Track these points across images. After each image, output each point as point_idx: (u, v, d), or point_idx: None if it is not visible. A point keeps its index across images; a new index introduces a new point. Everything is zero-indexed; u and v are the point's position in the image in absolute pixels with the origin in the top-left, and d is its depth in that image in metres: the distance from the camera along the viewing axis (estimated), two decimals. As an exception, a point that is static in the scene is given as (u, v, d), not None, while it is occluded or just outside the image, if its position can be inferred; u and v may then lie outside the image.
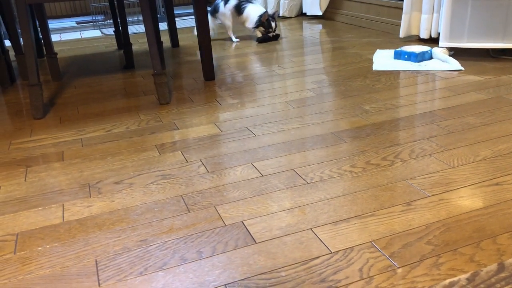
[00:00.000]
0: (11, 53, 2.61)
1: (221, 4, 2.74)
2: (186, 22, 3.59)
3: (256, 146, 1.32)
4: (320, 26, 3.08)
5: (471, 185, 1.05)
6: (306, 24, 3.17)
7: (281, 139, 1.36)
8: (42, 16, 2.14)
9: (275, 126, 1.45)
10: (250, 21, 2.71)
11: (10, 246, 0.93)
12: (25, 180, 1.20)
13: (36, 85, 1.63)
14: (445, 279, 0.76)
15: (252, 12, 2.70)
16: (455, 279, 0.75)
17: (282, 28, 3.09)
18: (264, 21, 2.67)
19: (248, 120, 1.52)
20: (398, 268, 0.80)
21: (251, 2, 2.75)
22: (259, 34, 2.73)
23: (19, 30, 2.31)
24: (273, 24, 2.69)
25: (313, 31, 2.92)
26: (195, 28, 2.28)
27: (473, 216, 0.93)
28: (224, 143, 1.35)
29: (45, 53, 2.23)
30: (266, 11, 2.69)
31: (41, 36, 2.58)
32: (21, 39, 2.40)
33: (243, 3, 2.72)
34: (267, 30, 2.70)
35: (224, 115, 1.58)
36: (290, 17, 3.45)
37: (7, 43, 2.82)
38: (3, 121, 1.65)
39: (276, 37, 2.75)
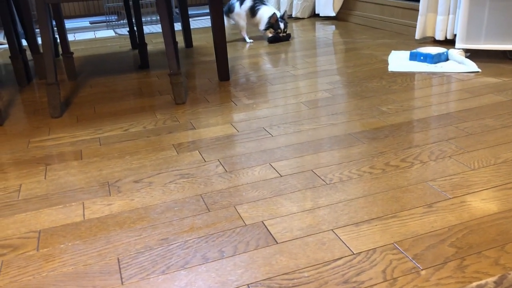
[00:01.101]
0: (28, 53, 2.63)
1: (237, 4, 2.75)
2: (200, 22, 3.60)
3: (274, 147, 1.32)
4: (333, 27, 3.07)
5: (493, 187, 1.04)
6: (319, 25, 3.16)
7: (298, 139, 1.35)
8: (59, 16, 2.15)
9: (291, 127, 1.45)
10: (262, 23, 2.73)
11: (33, 243, 0.94)
12: (45, 178, 1.21)
13: (53, 84, 1.64)
14: (470, 282, 0.75)
15: (264, 14, 2.71)
16: (482, 282, 0.74)
17: (295, 29, 3.09)
18: (273, 22, 2.68)
19: (264, 120, 1.52)
20: (422, 270, 0.80)
21: (264, 4, 2.75)
22: (269, 34, 2.74)
23: (36, 30, 2.34)
24: (281, 24, 2.68)
25: (326, 32, 2.92)
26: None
27: (497, 219, 0.92)
28: (241, 143, 1.35)
29: (61, 52, 2.24)
30: (275, 13, 2.69)
31: (56, 36, 2.60)
32: (38, 38, 2.43)
33: (257, 4, 2.73)
34: (276, 31, 2.71)
35: (240, 115, 1.58)
36: (303, 18, 3.44)
37: (24, 42, 2.84)
38: (21, 120, 1.66)
39: (287, 37, 2.75)
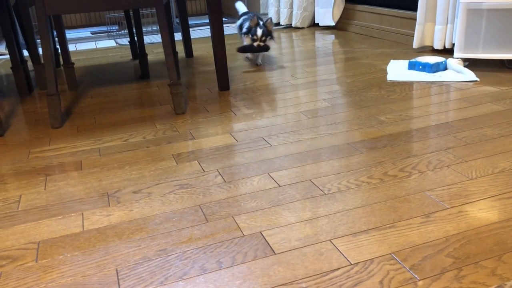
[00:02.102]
0: (29, 63, 2.65)
1: (238, 21, 2.67)
2: (200, 32, 3.63)
3: (272, 156, 1.32)
4: (333, 36, 3.09)
5: (490, 197, 1.04)
6: (318, 35, 3.18)
7: (297, 149, 1.36)
8: (60, 27, 2.17)
9: (290, 137, 1.46)
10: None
11: (31, 254, 0.94)
12: (45, 189, 1.21)
13: (54, 95, 1.65)
14: (467, 293, 0.76)
15: (246, 23, 2.39)
16: (478, 292, 0.74)
17: (295, 39, 3.11)
18: (252, 26, 2.29)
19: (264, 130, 1.53)
20: (419, 280, 0.80)
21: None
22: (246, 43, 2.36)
23: (37, 40, 2.35)
24: (259, 31, 2.25)
25: (326, 42, 2.94)
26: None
27: (494, 229, 0.92)
28: (240, 153, 1.36)
29: (62, 63, 2.26)
30: (255, 15, 2.32)
31: (58, 46, 2.62)
32: (40, 49, 2.45)
33: (245, 21, 2.47)
34: (252, 38, 2.29)
35: (239, 125, 1.59)
36: (302, 28, 3.46)
37: (25, 53, 2.86)
38: (22, 130, 1.67)
39: (264, 48, 2.29)
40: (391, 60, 2.30)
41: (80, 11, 1.60)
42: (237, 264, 0.87)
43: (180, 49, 2.90)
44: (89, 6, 1.60)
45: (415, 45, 2.41)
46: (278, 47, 2.87)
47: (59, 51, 2.61)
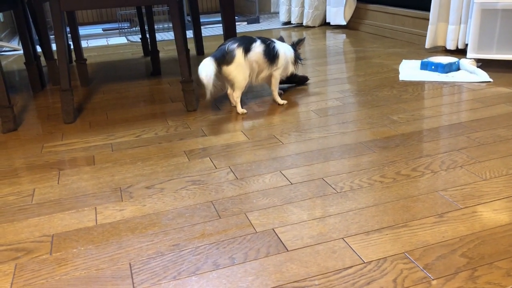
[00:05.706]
0: (42, 59, 2.67)
1: None
2: (211, 30, 3.63)
3: (284, 154, 1.32)
4: (344, 35, 3.08)
5: (504, 198, 1.03)
6: (329, 34, 3.17)
7: (309, 147, 1.36)
8: (73, 23, 2.19)
9: (302, 135, 1.46)
10: None
11: (46, 247, 0.95)
12: (58, 183, 1.22)
13: (67, 90, 1.66)
14: (482, 293, 0.75)
15: None
16: (493, 293, 0.74)
17: (306, 38, 3.10)
18: None
19: (275, 128, 1.53)
20: (433, 280, 0.79)
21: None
22: None
23: (50, 36, 2.37)
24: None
25: (337, 41, 2.93)
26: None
27: (509, 230, 0.92)
28: (252, 151, 1.36)
29: (74, 59, 2.27)
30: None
31: (70, 42, 2.64)
32: (53, 45, 2.47)
33: None
34: None
35: (250, 122, 1.59)
36: (313, 27, 3.46)
37: (38, 49, 2.88)
38: (35, 125, 1.69)
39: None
40: (403, 60, 2.29)
41: (94, 7, 1.61)
42: (250, 260, 0.87)
43: (191, 46, 2.91)
44: (104, 2, 1.61)
45: (428, 45, 2.40)
46: (289, 45, 2.86)
47: (72, 47, 2.63)
